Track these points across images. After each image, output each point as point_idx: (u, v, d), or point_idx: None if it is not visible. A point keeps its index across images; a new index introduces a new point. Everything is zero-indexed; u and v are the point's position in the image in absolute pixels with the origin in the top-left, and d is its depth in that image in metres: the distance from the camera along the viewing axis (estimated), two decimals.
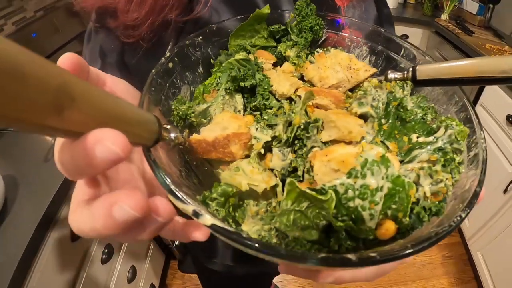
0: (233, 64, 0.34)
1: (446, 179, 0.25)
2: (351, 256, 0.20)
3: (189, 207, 0.22)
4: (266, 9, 0.38)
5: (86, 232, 0.21)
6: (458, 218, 0.23)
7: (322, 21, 0.40)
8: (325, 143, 0.27)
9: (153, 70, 0.33)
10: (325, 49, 0.39)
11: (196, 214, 0.22)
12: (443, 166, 0.25)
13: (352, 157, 0.24)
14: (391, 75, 0.35)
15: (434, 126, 0.29)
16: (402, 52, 0.40)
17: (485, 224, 1.56)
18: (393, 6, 2.36)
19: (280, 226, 0.25)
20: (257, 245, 0.20)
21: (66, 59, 0.24)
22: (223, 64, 0.36)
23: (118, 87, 0.31)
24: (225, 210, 0.26)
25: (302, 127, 0.27)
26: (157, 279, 1.51)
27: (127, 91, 0.32)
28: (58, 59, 0.24)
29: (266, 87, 0.32)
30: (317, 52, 0.38)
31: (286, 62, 0.37)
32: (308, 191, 0.23)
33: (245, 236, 0.21)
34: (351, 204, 0.23)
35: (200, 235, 0.25)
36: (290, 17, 0.40)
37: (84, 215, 0.21)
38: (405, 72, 0.34)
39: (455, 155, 0.26)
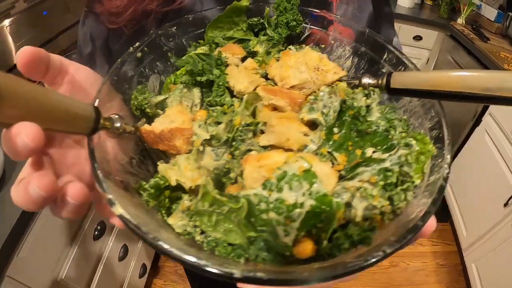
0: (193, 58, 0.33)
1: (382, 206, 0.22)
2: (235, 271, 0.18)
3: (106, 195, 0.23)
4: (244, 2, 0.36)
5: (19, 205, 0.24)
6: (380, 254, 0.19)
7: (301, 17, 0.37)
8: (265, 148, 0.26)
9: (119, 59, 0.33)
10: (297, 46, 0.36)
11: (110, 203, 0.23)
12: (384, 189, 0.23)
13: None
14: (366, 80, 0.32)
15: (396, 142, 0.26)
16: (385, 56, 0.37)
17: (482, 236, 1.52)
18: (409, 6, 2.29)
19: (201, 225, 0.24)
20: (151, 239, 0.21)
21: (22, 53, 0.26)
22: (183, 58, 0.34)
23: (80, 75, 0.31)
24: (159, 202, 0.27)
25: (240, 128, 0.25)
26: (149, 260, 1.52)
27: (88, 78, 0.32)
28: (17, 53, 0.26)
29: (221, 83, 0.31)
30: (290, 49, 0.35)
31: (250, 58, 0.35)
32: (218, 196, 0.22)
33: (143, 230, 0.21)
34: (264, 216, 0.21)
35: (116, 222, 0.26)
36: (267, 11, 0.38)
37: (16, 189, 0.24)
38: (380, 78, 0.31)
39: (401, 180, 0.24)
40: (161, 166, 0.28)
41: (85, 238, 1.05)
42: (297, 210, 0.21)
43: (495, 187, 1.49)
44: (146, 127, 0.30)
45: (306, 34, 0.40)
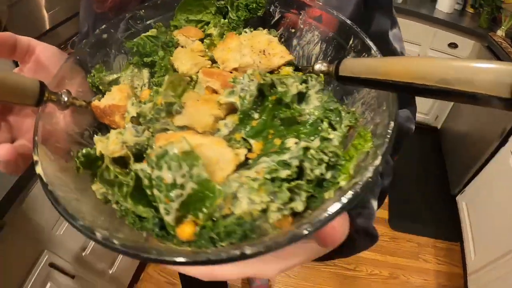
0: (143, 40, 0.34)
1: (262, 201, 0.21)
2: (98, 234, 0.20)
3: (34, 156, 0.26)
4: None
5: None
6: (236, 253, 0.18)
7: (263, 4, 0.35)
8: (182, 128, 0.25)
9: (84, 40, 0.37)
10: (252, 29, 0.34)
11: (35, 163, 0.25)
12: (270, 184, 0.21)
13: (195, 146, 0.22)
14: (318, 66, 0.30)
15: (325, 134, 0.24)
16: (351, 42, 0.34)
17: (491, 262, 1.43)
18: (448, 11, 2.17)
19: (115, 196, 0.24)
20: (50, 195, 0.22)
21: None
22: (135, 40, 0.35)
23: (46, 54, 0.36)
24: (92, 170, 0.28)
25: (161, 108, 0.25)
26: None
27: (53, 57, 0.36)
28: None
29: (163, 64, 0.31)
30: (245, 32, 0.34)
31: (198, 40, 0.34)
32: (112, 168, 0.22)
33: (49, 188, 0.23)
34: (149, 192, 0.21)
35: None
36: None
37: None
38: (333, 65, 0.28)
39: (291, 176, 0.22)
40: (96, 138, 0.28)
41: None
42: (176, 191, 0.21)
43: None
44: (94, 102, 0.32)
45: (276, 18, 0.38)
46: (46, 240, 1.03)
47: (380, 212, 2.01)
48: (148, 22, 0.38)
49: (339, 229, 0.26)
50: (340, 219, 0.29)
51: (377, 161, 0.22)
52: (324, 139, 0.23)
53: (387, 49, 0.52)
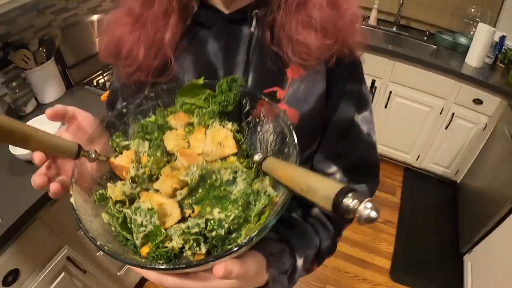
0: (147, 123, 0.53)
1: (179, 243, 0.39)
2: (106, 247, 0.37)
3: (70, 190, 0.43)
4: (200, 80, 0.53)
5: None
6: (159, 266, 0.37)
7: (236, 99, 0.52)
8: (156, 190, 0.44)
9: (110, 113, 0.54)
10: (219, 123, 0.51)
11: (70, 195, 0.42)
12: (183, 234, 0.39)
13: (159, 204, 0.41)
14: (256, 157, 0.46)
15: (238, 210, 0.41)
16: (288, 139, 0.48)
17: None
18: (476, 66, 2.23)
19: (113, 223, 0.42)
20: (78, 219, 0.39)
21: (48, 111, 0.47)
22: (141, 121, 0.54)
23: (84, 119, 0.53)
24: (104, 204, 0.45)
25: (146, 176, 0.45)
26: None
27: (89, 123, 0.53)
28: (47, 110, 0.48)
29: (156, 142, 0.50)
30: (214, 125, 0.51)
31: (180, 127, 0.53)
32: (111, 208, 0.41)
33: (77, 213, 0.40)
34: (129, 225, 0.40)
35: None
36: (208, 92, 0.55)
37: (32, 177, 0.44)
38: (262, 158, 0.45)
39: (201, 232, 0.39)
40: (108, 185, 0.46)
41: None
42: (142, 228, 0.39)
43: None
44: (112, 159, 0.49)
45: (247, 108, 0.54)
46: (68, 238, 1.26)
47: (381, 261, 2.09)
48: (156, 102, 0.56)
49: (233, 265, 0.39)
50: (250, 261, 0.44)
51: (255, 235, 0.36)
52: (228, 215, 0.40)
53: (353, 132, 0.63)
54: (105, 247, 0.37)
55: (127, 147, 0.51)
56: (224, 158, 0.49)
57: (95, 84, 1.70)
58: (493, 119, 2.19)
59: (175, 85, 0.56)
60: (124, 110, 0.54)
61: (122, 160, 0.48)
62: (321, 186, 0.33)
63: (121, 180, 0.49)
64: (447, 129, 2.37)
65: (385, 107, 2.49)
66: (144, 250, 0.39)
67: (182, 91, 0.55)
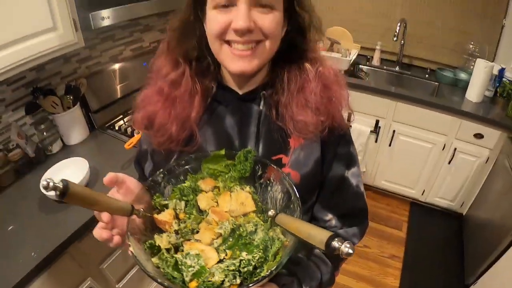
0: (183, 187, 0.69)
1: (221, 278, 0.53)
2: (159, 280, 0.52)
3: (128, 242, 0.56)
4: (222, 151, 0.70)
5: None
6: None
7: (250, 168, 0.68)
8: (197, 240, 0.60)
9: (150, 178, 0.69)
10: (240, 187, 0.67)
11: (129, 245, 0.56)
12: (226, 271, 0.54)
13: (201, 250, 0.57)
14: (269, 212, 0.62)
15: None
16: (293, 198, 0.63)
17: None
18: (476, 101, 2.38)
19: (163, 265, 0.56)
20: (140, 264, 0.53)
21: (107, 178, 0.63)
22: (178, 186, 0.69)
23: (132, 183, 0.68)
24: (152, 251, 0.60)
25: (187, 230, 0.61)
26: None
27: (135, 186, 0.69)
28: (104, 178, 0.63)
29: (192, 203, 0.66)
30: (236, 188, 0.68)
31: (211, 192, 0.69)
32: (165, 255, 0.56)
33: (138, 259, 0.54)
34: (180, 266, 0.54)
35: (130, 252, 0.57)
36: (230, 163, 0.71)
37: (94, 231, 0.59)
38: (274, 214, 0.60)
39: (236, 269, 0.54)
40: (156, 236, 0.61)
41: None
42: (191, 268, 0.53)
43: None
44: (155, 216, 0.64)
45: (259, 173, 0.70)
46: (92, 270, 1.41)
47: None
48: (186, 167, 0.72)
49: None
50: None
51: (274, 269, 0.52)
52: (254, 256, 0.56)
53: (345, 186, 0.80)
54: (165, 283, 0.52)
55: (166, 206, 0.67)
56: (245, 214, 0.65)
57: (116, 128, 1.88)
58: (495, 152, 2.32)
59: (202, 155, 0.73)
60: (161, 175, 0.70)
61: (165, 217, 0.64)
62: (318, 234, 0.48)
63: (162, 231, 0.64)
64: (450, 164, 2.51)
65: (389, 145, 2.66)
66: (193, 285, 0.54)
67: (207, 159, 0.72)
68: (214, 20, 0.65)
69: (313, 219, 0.84)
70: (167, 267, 0.56)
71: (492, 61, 2.56)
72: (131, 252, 0.56)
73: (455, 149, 2.43)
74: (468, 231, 2.51)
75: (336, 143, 0.78)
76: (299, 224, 0.54)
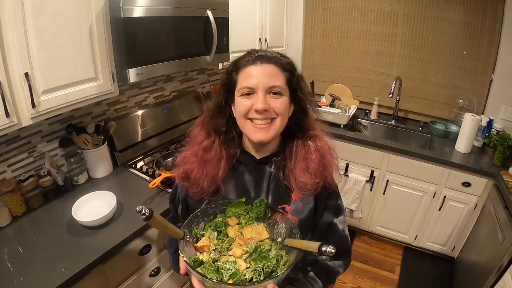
0: (217, 221, 0.96)
1: (250, 276, 0.80)
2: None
3: (182, 257, 0.85)
4: (243, 200, 0.99)
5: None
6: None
7: (264, 211, 0.96)
8: (229, 255, 0.87)
9: (191, 215, 0.96)
10: (256, 223, 0.96)
11: (183, 257, 0.83)
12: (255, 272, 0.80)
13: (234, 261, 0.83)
14: (279, 239, 0.91)
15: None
16: (294, 230, 0.91)
17: None
18: (465, 152, 2.63)
19: (208, 272, 0.81)
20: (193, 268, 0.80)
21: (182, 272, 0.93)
22: (213, 221, 0.97)
23: None
24: (195, 265, 0.85)
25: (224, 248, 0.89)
26: None
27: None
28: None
29: (224, 232, 0.94)
30: (255, 224, 0.96)
31: (237, 225, 0.96)
32: (208, 264, 0.83)
33: (197, 269, 0.82)
34: (221, 271, 0.80)
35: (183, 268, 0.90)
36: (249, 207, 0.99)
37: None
38: (283, 239, 0.90)
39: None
40: (198, 254, 0.88)
41: (143, 274, 1.71)
42: (229, 270, 0.80)
43: None
44: (195, 244, 0.90)
45: (269, 214, 0.98)
46: None
47: None
48: (215, 210, 0.99)
49: None
50: None
51: (286, 270, 0.80)
52: (271, 262, 0.83)
53: (334, 229, 1.05)
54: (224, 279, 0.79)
55: (203, 235, 0.95)
56: (261, 240, 0.93)
57: (138, 167, 2.13)
58: (482, 198, 2.54)
59: (227, 201, 1.02)
60: (198, 214, 0.98)
61: (203, 242, 0.91)
62: (312, 244, 0.77)
63: (199, 252, 0.90)
64: (440, 210, 2.74)
65: (384, 193, 2.93)
66: (230, 281, 0.79)
67: (231, 204, 1.01)
68: (241, 104, 0.96)
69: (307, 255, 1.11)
70: (209, 273, 0.81)
71: (482, 113, 2.88)
72: (185, 261, 0.83)
73: (445, 197, 2.67)
74: (459, 274, 2.68)
75: (327, 198, 1.06)
76: (300, 242, 0.84)
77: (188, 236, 0.89)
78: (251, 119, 0.96)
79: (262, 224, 0.97)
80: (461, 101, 2.95)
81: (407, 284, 2.76)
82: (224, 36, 2.12)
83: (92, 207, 1.65)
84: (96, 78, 1.61)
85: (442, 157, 2.59)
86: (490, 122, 2.74)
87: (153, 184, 1.76)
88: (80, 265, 1.34)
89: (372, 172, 2.89)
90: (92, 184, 1.93)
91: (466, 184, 2.56)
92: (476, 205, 2.59)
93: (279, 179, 1.04)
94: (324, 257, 1.05)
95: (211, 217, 1.00)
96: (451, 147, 2.75)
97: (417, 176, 2.74)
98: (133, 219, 1.62)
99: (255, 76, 0.93)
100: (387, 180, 2.86)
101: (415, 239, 2.99)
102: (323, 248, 0.73)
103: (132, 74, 1.67)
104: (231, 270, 0.81)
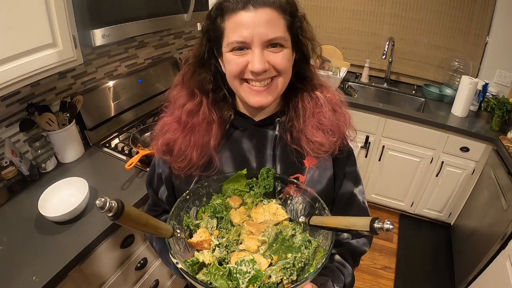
0: (214, 204, 0.77)
1: (278, 277, 0.61)
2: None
3: (172, 259, 0.63)
4: (244, 171, 0.79)
5: None
6: None
7: (274, 183, 0.78)
8: (242, 250, 0.67)
9: (178, 200, 0.76)
10: (268, 200, 0.77)
11: (176, 263, 0.62)
12: (284, 270, 0.61)
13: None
14: (300, 218, 0.72)
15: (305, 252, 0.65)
16: (317, 205, 0.74)
17: None
18: (462, 115, 2.58)
19: (210, 277, 0.63)
20: (187, 275, 0.60)
21: None
22: (210, 204, 0.77)
23: None
24: (193, 268, 0.65)
25: (230, 241, 0.68)
26: None
27: None
28: None
29: (226, 218, 0.74)
30: (262, 202, 0.77)
31: (242, 206, 0.77)
32: (216, 266, 0.62)
33: (186, 270, 0.61)
34: (235, 275, 0.61)
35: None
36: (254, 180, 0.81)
37: None
38: (308, 218, 0.70)
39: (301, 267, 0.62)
40: (196, 254, 0.68)
41: (129, 267, 1.52)
42: (247, 274, 0.60)
43: None
44: (189, 240, 0.70)
45: (279, 188, 0.80)
46: None
47: None
48: (208, 189, 0.80)
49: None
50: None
51: (324, 261, 0.61)
52: (302, 253, 0.64)
53: (353, 201, 0.91)
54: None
55: (198, 226, 0.74)
56: (277, 224, 0.73)
57: (112, 146, 1.91)
58: (481, 164, 2.50)
59: (223, 176, 0.82)
60: (188, 197, 0.78)
61: (200, 237, 0.70)
62: (358, 221, 0.58)
63: (197, 251, 0.71)
64: (437, 176, 2.68)
65: (379, 160, 2.82)
66: None
67: (229, 180, 0.81)
68: (232, 62, 0.76)
69: None
70: (216, 280, 0.62)
71: (476, 77, 2.80)
72: (181, 269, 0.62)
73: (442, 162, 2.60)
74: (457, 240, 2.68)
75: (345, 162, 0.90)
76: (335, 219, 0.65)
77: (178, 231, 0.68)
78: (246, 80, 0.77)
79: (274, 200, 0.78)
80: (456, 63, 2.86)
81: (406, 253, 2.72)
82: None
83: (62, 197, 1.44)
84: (54, 44, 1.36)
85: (439, 121, 2.50)
86: (485, 86, 2.68)
87: (130, 165, 1.53)
88: (53, 269, 1.16)
89: (367, 137, 2.76)
90: (62, 170, 1.71)
91: (465, 149, 2.50)
92: (474, 170, 2.55)
93: (286, 143, 0.86)
94: (345, 235, 0.91)
95: (204, 199, 0.80)
96: (447, 111, 2.67)
97: (414, 141, 2.64)
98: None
99: (247, 26, 0.72)
100: (383, 146, 2.75)
101: (411, 206, 2.94)
102: (376, 225, 0.53)
103: (98, 36, 1.43)
104: (249, 273, 0.62)
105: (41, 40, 1.30)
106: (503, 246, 1.91)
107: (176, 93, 0.88)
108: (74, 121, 1.76)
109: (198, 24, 2.03)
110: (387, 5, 2.91)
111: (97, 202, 0.48)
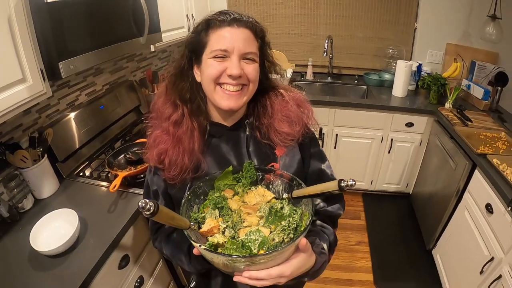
0: (214, 198, 0.89)
1: (279, 238, 0.75)
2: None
3: (197, 244, 0.75)
4: (230, 168, 0.93)
5: None
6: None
7: (256, 173, 0.92)
8: (245, 226, 0.81)
9: (183, 199, 0.87)
10: (255, 187, 0.92)
11: (199, 246, 0.74)
12: (283, 231, 0.76)
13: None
14: (284, 195, 0.87)
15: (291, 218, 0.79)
16: (294, 183, 0.89)
17: None
18: (402, 96, 2.87)
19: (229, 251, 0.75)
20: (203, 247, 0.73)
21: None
22: (209, 197, 0.89)
23: None
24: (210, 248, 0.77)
25: (235, 222, 0.81)
26: None
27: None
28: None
29: (226, 207, 0.87)
30: (250, 189, 0.92)
31: (236, 196, 0.90)
32: (232, 241, 0.75)
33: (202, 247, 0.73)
34: (247, 244, 0.74)
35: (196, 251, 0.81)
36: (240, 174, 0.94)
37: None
38: (290, 194, 0.86)
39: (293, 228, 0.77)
40: (209, 238, 0.79)
41: (111, 266, 1.47)
42: (257, 240, 0.74)
43: (471, 257, 1.90)
44: (201, 230, 0.81)
45: (260, 177, 0.94)
46: None
47: (364, 276, 2.50)
48: (204, 188, 0.91)
49: (305, 245, 0.77)
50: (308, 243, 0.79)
51: (310, 220, 0.76)
52: (293, 217, 0.79)
53: (323, 174, 1.06)
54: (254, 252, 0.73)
55: (204, 218, 0.86)
56: (268, 202, 0.88)
57: (87, 174, 1.90)
58: (426, 135, 2.79)
59: (213, 176, 0.95)
60: (190, 197, 0.90)
61: (210, 225, 0.82)
62: (329, 185, 0.75)
63: (210, 237, 0.83)
64: (390, 153, 2.95)
65: (335, 147, 3.05)
66: (261, 252, 0.74)
67: (218, 178, 0.95)
68: (212, 67, 0.88)
69: None
70: (233, 251, 0.75)
71: (410, 60, 3.13)
72: (204, 248, 0.74)
73: (392, 139, 2.87)
74: (418, 206, 2.94)
75: (309, 146, 1.06)
76: (312, 187, 0.81)
77: (192, 223, 0.80)
78: (220, 85, 0.90)
79: (260, 186, 0.93)
80: (390, 50, 3.17)
81: (375, 226, 2.95)
82: (154, 14, 1.96)
83: (52, 231, 1.42)
84: (24, 79, 1.33)
85: (383, 104, 2.76)
86: (419, 67, 3.01)
87: (114, 187, 1.59)
88: None
89: (321, 129, 2.96)
90: (41, 207, 1.65)
91: (409, 125, 2.78)
92: (421, 142, 2.84)
93: (257, 139, 1.00)
94: (321, 204, 1.05)
95: (202, 197, 0.92)
96: (389, 94, 2.95)
97: (363, 125, 2.88)
98: (102, 232, 1.43)
99: (230, 39, 0.87)
100: (336, 134, 2.96)
101: (371, 184, 3.19)
102: (343, 184, 0.71)
103: (65, 68, 1.44)
104: (258, 240, 0.75)
105: (12, 76, 1.27)
106: (459, 200, 2.17)
107: (161, 104, 0.99)
108: (45, 155, 1.73)
109: (152, 46, 2.11)
110: (321, 7, 3.17)
111: (139, 203, 0.62)
